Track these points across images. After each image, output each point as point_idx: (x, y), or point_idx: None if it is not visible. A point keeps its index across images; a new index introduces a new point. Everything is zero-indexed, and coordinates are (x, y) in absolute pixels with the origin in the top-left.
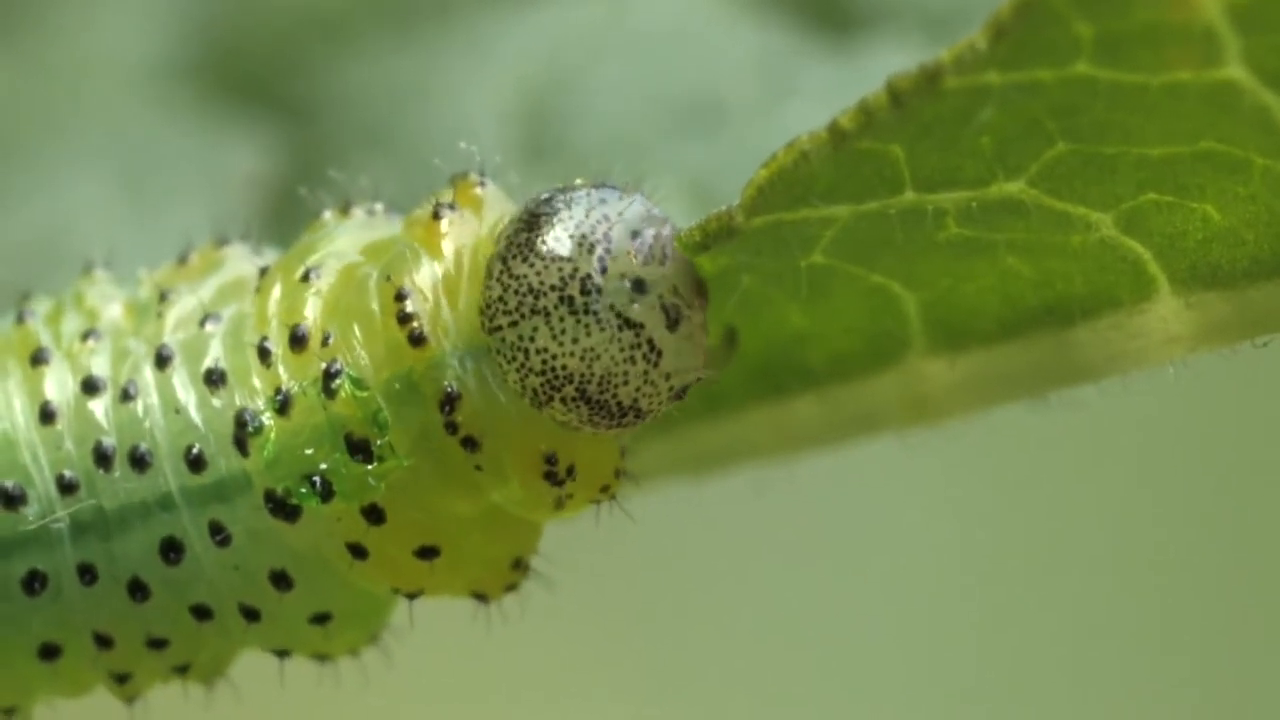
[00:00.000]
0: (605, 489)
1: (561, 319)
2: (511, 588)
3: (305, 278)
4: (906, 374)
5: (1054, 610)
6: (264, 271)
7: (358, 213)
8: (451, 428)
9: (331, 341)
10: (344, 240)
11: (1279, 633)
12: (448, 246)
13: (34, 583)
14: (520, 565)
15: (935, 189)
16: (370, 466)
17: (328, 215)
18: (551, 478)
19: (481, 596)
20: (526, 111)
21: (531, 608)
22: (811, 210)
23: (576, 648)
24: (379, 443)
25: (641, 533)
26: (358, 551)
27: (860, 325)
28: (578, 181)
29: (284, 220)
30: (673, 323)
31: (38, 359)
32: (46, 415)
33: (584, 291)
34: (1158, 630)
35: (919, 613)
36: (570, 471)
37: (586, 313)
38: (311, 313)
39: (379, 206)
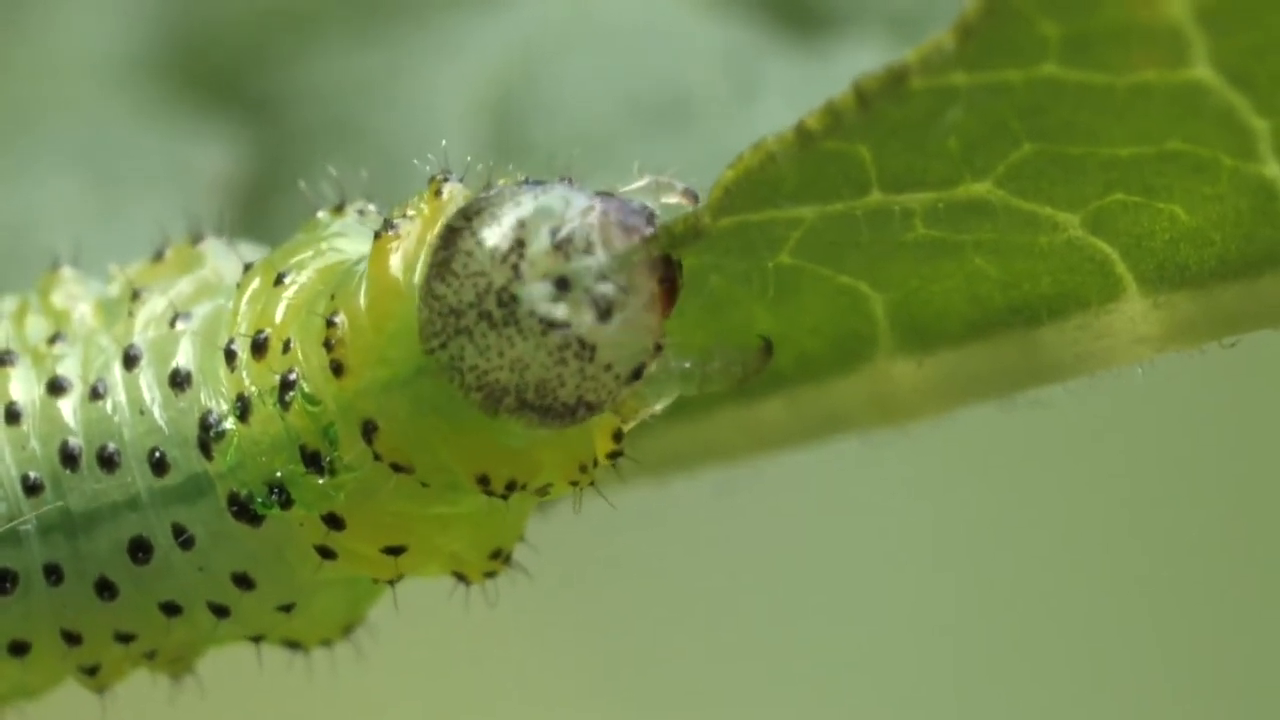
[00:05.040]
0: (574, 484)
1: (484, 335)
2: (491, 574)
3: (279, 281)
4: (874, 374)
5: (1020, 604)
6: (248, 268)
7: (351, 212)
8: (377, 455)
9: (291, 350)
10: (329, 243)
11: (1249, 627)
12: (391, 266)
13: (4, 581)
14: (500, 555)
15: (902, 190)
16: (322, 480)
17: (322, 215)
18: (491, 495)
19: (462, 577)
20: (494, 108)
21: (503, 602)
22: (778, 211)
23: (544, 643)
24: (329, 458)
25: (615, 530)
26: (325, 553)
27: (827, 326)
28: (500, 182)
29: (252, 216)
30: (604, 313)
31: (2, 361)
32: (11, 416)
33: (501, 304)
34: (1125, 626)
35: (889, 611)
36: (511, 485)
37: (507, 324)
38: (278, 318)
39: (371, 207)
